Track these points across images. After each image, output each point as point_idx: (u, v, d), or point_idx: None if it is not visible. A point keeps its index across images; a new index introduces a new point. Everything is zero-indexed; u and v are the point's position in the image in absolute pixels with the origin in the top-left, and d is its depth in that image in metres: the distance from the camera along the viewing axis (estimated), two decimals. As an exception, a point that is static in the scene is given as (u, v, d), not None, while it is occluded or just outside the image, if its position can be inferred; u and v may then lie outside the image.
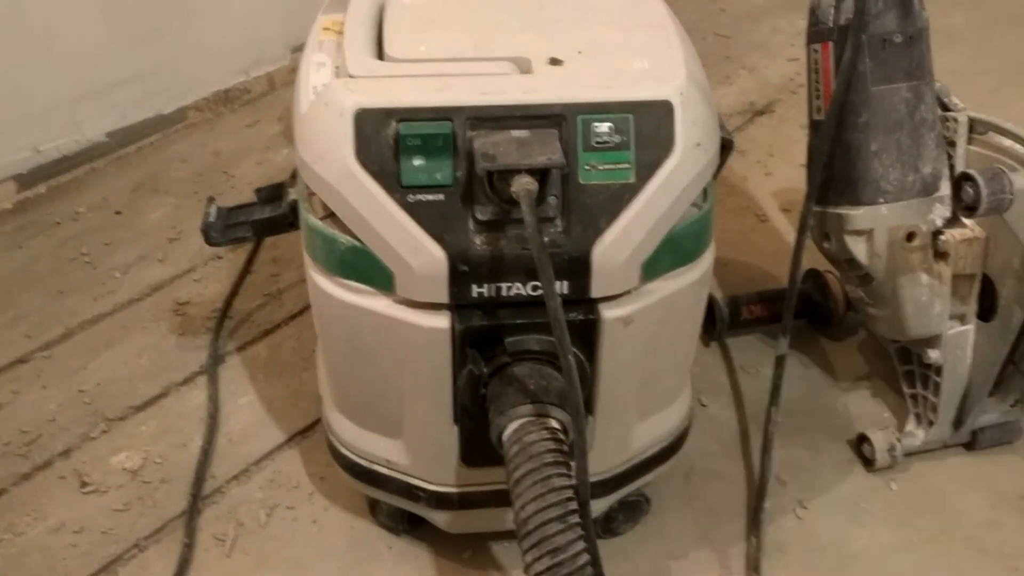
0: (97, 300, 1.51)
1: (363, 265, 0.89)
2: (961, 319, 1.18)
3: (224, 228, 1.11)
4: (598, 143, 0.86)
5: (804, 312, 1.41)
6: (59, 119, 1.77)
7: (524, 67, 0.90)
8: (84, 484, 1.22)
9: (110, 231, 1.66)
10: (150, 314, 1.49)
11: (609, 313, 0.90)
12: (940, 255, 1.15)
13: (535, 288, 0.87)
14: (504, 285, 0.87)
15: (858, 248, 1.14)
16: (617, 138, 0.86)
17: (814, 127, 1.17)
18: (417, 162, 0.84)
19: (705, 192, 0.94)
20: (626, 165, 0.86)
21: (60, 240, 1.64)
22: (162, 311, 1.49)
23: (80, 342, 1.44)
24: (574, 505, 0.82)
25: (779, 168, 1.80)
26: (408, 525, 1.14)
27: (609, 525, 1.14)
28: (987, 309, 1.17)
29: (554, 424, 0.87)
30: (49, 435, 1.29)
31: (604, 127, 0.86)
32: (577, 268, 0.87)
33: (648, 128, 0.86)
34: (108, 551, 1.15)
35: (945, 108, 1.17)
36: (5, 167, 1.73)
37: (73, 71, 1.76)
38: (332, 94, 0.87)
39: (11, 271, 1.58)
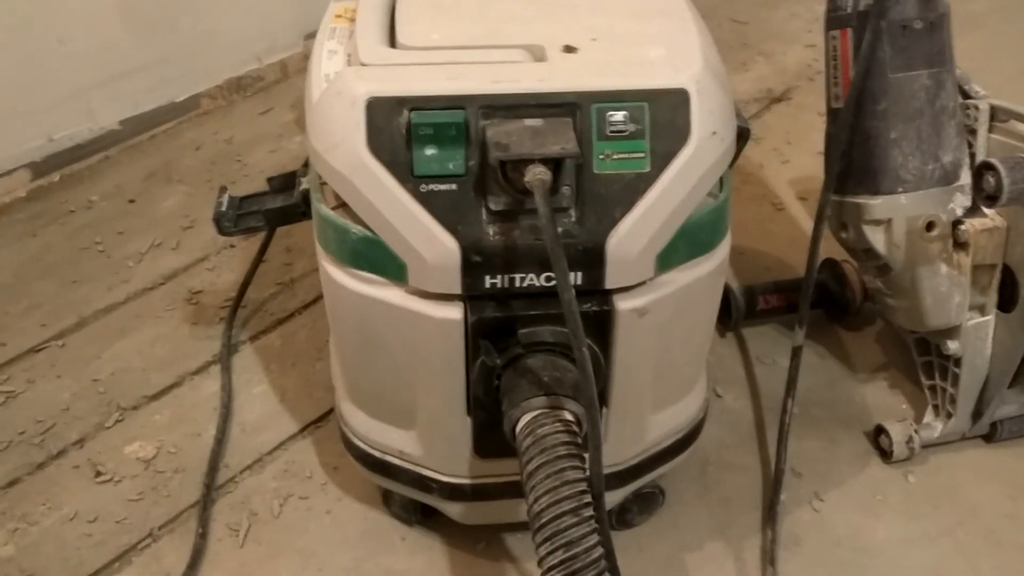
0: (111, 289, 1.52)
1: (375, 255, 0.88)
2: (981, 310, 1.17)
3: (236, 218, 1.11)
4: (613, 132, 0.84)
5: (821, 302, 1.40)
6: (72, 108, 1.77)
7: (538, 55, 0.89)
8: (98, 474, 1.23)
9: (124, 220, 1.66)
10: (164, 303, 1.49)
11: (624, 304, 0.89)
12: (960, 245, 1.14)
13: (549, 279, 0.86)
14: (517, 276, 0.87)
15: (876, 238, 1.13)
16: (632, 127, 0.84)
17: (832, 115, 1.16)
18: (429, 151, 0.83)
19: (721, 181, 0.93)
20: (641, 154, 0.85)
21: (74, 229, 1.65)
22: (176, 300, 1.49)
23: (94, 331, 1.44)
24: (588, 498, 0.82)
25: (796, 156, 1.78)
26: (421, 516, 1.14)
27: (623, 517, 1.14)
28: (1007, 300, 1.15)
29: (568, 416, 0.86)
30: (63, 424, 1.29)
31: (619, 116, 0.84)
32: (591, 259, 0.86)
33: (664, 117, 0.85)
34: (122, 541, 1.15)
35: (966, 95, 1.16)
36: (19, 155, 1.73)
37: (86, 60, 1.76)
38: (344, 82, 0.86)
39: (25, 260, 1.58)
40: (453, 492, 1.03)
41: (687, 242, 0.90)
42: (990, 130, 1.14)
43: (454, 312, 0.88)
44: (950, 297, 1.15)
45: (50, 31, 1.70)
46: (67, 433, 1.28)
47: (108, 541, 1.15)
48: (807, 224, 1.59)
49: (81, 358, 1.39)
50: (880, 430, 1.23)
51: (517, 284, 0.87)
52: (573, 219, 0.85)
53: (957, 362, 1.19)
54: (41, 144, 1.75)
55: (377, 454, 1.05)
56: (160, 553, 1.14)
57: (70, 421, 1.30)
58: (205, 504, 1.18)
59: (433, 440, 1.01)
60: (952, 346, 1.18)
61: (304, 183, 1.07)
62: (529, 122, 0.84)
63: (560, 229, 0.84)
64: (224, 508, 1.18)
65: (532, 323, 0.89)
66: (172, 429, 1.29)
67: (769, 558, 1.11)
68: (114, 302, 1.49)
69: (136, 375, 1.37)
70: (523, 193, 0.83)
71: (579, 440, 0.85)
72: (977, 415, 1.21)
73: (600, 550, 0.80)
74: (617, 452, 1.02)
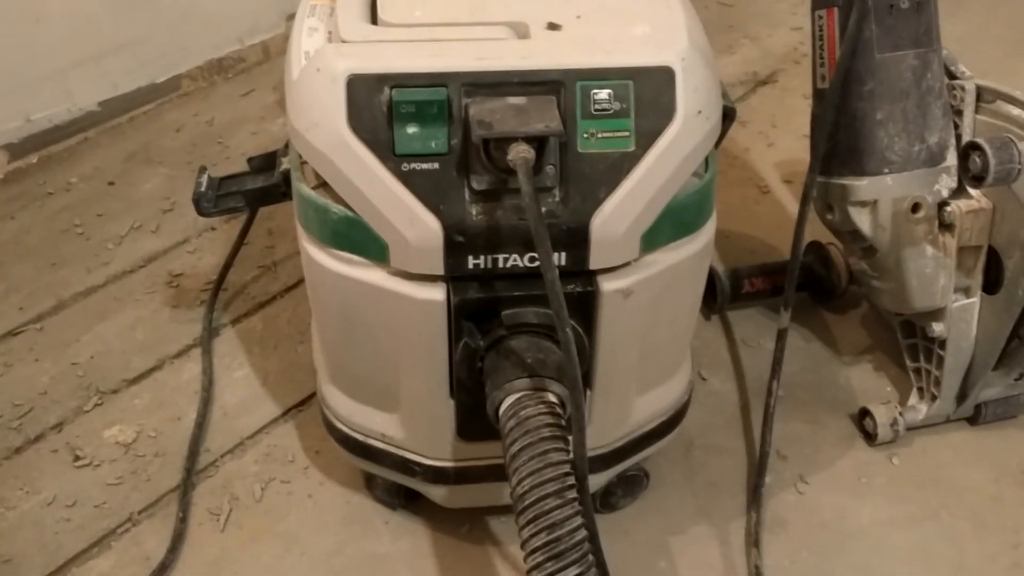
0: (90, 272, 1.50)
1: (356, 236, 0.87)
2: (966, 292, 1.17)
3: (216, 198, 1.10)
4: (597, 110, 0.83)
5: (806, 285, 1.39)
6: (50, 88, 1.74)
7: (521, 32, 0.88)
8: (77, 458, 1.21)
9: (103, 202, 1.64)
10: (144, 286, 1.47)
11: (608, 285, 0.88)
12: (945, 227, 1.13)
13: (532, 260, 0.85)
14: (501, 256, 0.86)
15: (862, 219, 1.13)
16: (617, 105, 0.83)
17: (818, 96, 1.15)
18: (411, 130, 0.82)
19: (706, 162, 0.92)
20: (626, 133, 0.84)
21: (52, 211, 1.62)
22: (156, 283, 1.47)
23: (73, 314, 1.43)
24: (571, 480, 0.81)
25: (782, 139, 1.78)
26: (405, 500, 1.13)
27: (608, 500, 1.13)
28: (992, 282, 1.15)
29: (551, 398, 0.85)
30: (42, 408, 1.28)
31: (603, 94, 0.83)
32: (575, 239, 0.85)
33: (649, 95, 0.83)
34: (101, 525, 1.14)
35: (952, 76, 1.15)
36: (-4, 137, 1.71)
37: (64, 39, 1.73)
38: (324, 60, 0.84)
39: (2, 242, 1.56)
40: (436, 475, 1.03)
41: (672, 222, 0.89)
42: (976, 111, 1.13)
43: (437, 293, 0.87)
44: (935, 279, 1.15)
45: (27, 9, 1.67)
46: (45, 417, 1.27)
47: (87, 525, 1.14)
48: (793, 207, 1.58)
49: (60, 341, 1.38)
50: (865, 413, 1.23)
51: (500, 265, 0.86)
52: (557, 199, 0.84)
53: (942, 344, 1.18)
54: (19, 125, 1.72)
55: (360, 437, 1.04)
56: (140, 537, 1.13)
57: (48, 405, 1.28)
58: (186, 488, 1.16)
59: (416, 423, 1.00)
60: (937, 328, 1.17)
61: (285, 163, 1.05)
62: (512, 100, 0.82)
63: (544, 209, 0.83)
64: (205, 492, 1.17)
65: (515, 304, 0.88)
66: (152, 413, 1.27)
67: (753, 540, 1.11)
68: (93, 285, 1.47)
69: (116, 358, 1.35)
70: (506, 172, 0.82)
71: (563, 422, 0.85)
72: (962, 397, 1.21)
73: (583, 532, 0.79)
74: (601, 434, 1.01)
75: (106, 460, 1.21)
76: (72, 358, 1.35)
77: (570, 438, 0.84)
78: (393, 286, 0.88)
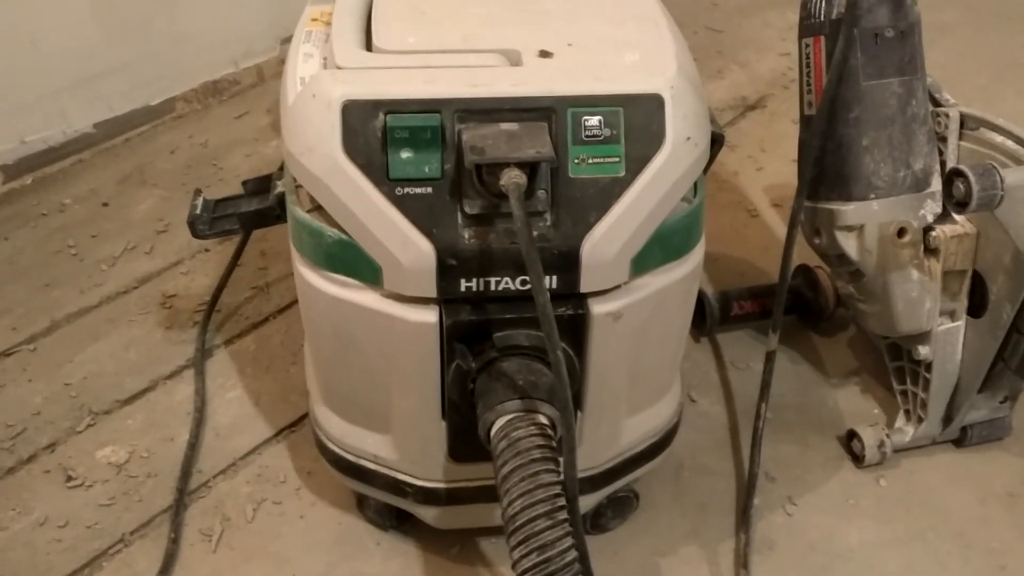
0: (84, 293, 1.50)
1: (350, 259, 0.88)
2: (951, 315, 1.18)
3: (211, 221, 1.10)
4: (588, 136, 0.85)
5: (794, 308, 1.41)
6: (45, 110, 1.75)
7: (514, 59, 0.90)
8: (69, 478, 1.21)
9: (97, 223, 1.65)
10: (137, 307, 1.48)
11: (598, 308, 0.89)
12: (931, 251, 1.15)
13: (524, 283, 0.87)
14: (493, 280, 0.87)
15: (849, 244, 1.14)
16: (607, 131, 0.85)
17: (805, 122, 1.17)
18: (405, 155, 0.83)
19: (695, 186, 0.93)
20: (616, 159, 0.85)
21: (46, 232, 1.63)
22: (149, 304, 1.48)
23: (66, 335, 1.43)
24: (562, 501, 0.82)
25: (771, 163, 1.80)
26: (396, 521, 1.14)
27: (598, 521, 1.14)
28: (977, 305, 1.17)
29: (542, 420, 0.86)
30: (34, 429, 1.28)
31: (594, 120, 0.85)
32: (566, 263, 0.86)
33: (638, 122, 0.85)
34: (93, 546, 1.14)
35: (936, 103, 1.17)
36: (-9, 158, 1.71)
37: (60, 61, 1.74)
38: (319, 85, 0.86)
39: (-4, 263, 1.57)
40: (428, 496, 1.03)
41: (661, 246, 0.90)
42: (960, 138, 1.15)
43: (429, 316, 0.88)
44: (921, 302, 1.16)
45: (23, 32, 1.68)
46: (38, 437, 1.27)
47: (79, 546, 1.14)
48: (781, 230, 1.60)
49: (53, 362, 1.38)
50: (852, 435, 1.24)
51: (492, 288, 0.87)
52: (548, 223, 0.86)
53: (928, 367, 1.20)
54: (13, 147, 1.73)
55: (351, 458, 1.05)
56: (132, 558, 1.13)
57: (41, 425, 1.28)
58: (178, 509, 1.17)
59: (408, 444, 1.00)
60: (923, 351, 1.19)
61: (279, 186, 1.06)
62: (505, 126, 0.84)
63: (535, 233, 0.84)
64: (197, 513, 1.17)
65: (507, 327, 0.89)
66: (145, 434, 1.27)
67: (742, 562, 1.12)
68: (87, 306, 1.48)
69: (109, 379, 1.35)
70: (498, 197, 0.83)
71: (553, 444, 0.86)
72: (948, 420, 1.23)
73: (574, 553, 0.80)
74: (591, 456, 1.02)
75: (98, 481, 1.21)
76: (65, 379, 1.35)
77: (561, 459, 0.85)
78: (386, 308, 0.89)
